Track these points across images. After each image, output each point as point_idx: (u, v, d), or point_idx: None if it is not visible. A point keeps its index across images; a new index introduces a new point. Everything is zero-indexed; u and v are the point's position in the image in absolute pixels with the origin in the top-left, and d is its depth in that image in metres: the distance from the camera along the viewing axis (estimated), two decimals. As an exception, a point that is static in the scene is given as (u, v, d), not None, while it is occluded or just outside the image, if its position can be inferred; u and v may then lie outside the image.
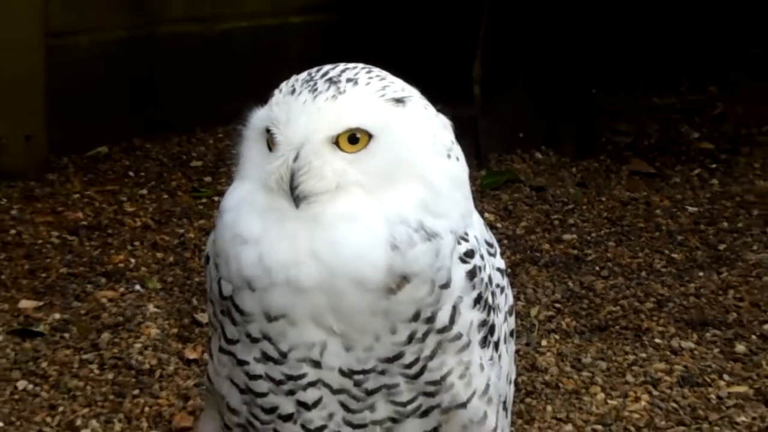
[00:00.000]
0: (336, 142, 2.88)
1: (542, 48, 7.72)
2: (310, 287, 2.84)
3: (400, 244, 2.83)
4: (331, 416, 2.89)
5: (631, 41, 8.59)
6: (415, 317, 2.86)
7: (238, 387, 2.93)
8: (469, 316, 2.92)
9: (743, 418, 5.55)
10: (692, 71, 8.89)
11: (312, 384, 2.87)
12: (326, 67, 2.95)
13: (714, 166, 7.78)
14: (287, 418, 2.90)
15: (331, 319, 2.85)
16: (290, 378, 2.88)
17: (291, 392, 2.88)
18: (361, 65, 2.96)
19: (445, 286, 2.88)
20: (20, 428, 5.48)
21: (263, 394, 2.90)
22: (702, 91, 8.73)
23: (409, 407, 2.90)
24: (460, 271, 2.91)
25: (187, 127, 7.82)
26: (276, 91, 2.96)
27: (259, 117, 2.98)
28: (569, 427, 5.52)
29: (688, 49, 8.88)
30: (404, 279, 2.84)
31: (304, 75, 2.96)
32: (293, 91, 2.91)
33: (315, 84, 2.90)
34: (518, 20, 7.68)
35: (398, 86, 2.95)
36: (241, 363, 2.91)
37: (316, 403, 2.88)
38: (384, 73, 2.97)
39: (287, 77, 2.98)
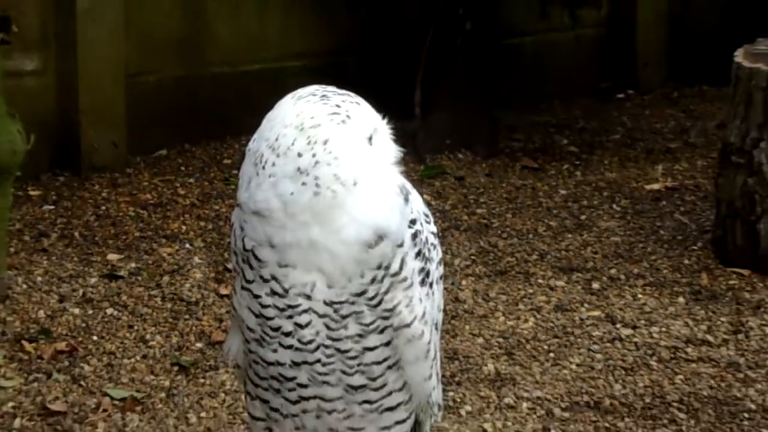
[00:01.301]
0: None
1: (462, 83, 7.72)
2: (319, 247, 2.79)
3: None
4: (317, 333, 2.86)
5: (521, 79, 8.58)
6: (378, 266, 2.82)
7: (253, 313, 2.90)
8: (412, 265, 2.88)
9: (597, 333, 5.55)
10: (563, 99, 8.88)
11: (305, 311, 2.84)
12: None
13: (577, 162, 7.78)
14: (287, 334, 2.87)
15: (327, 265, 2.80)
16: (290, 307, 2.84)
17: (290, 317, 2.85)
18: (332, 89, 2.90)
19: (401, 245, 2.85)
20: (108, 341, 5.47)
21: (271, 318, 2.87)
22: (569, 112, 8.71)
23: (371, 327, 2.87)
24: (407, 234, 2.87)
25: (221, 136, 7.83)
26: None
27: None
28: (480, 339, 5.50)
29: (559, 83, 8.87)
30: (380, 238, 2.79)
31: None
32: None
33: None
34: (445, 65, 7.68)
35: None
36: (256, 297, 2.87)
37: (307, 324, 2.85)
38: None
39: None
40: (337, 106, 2.82)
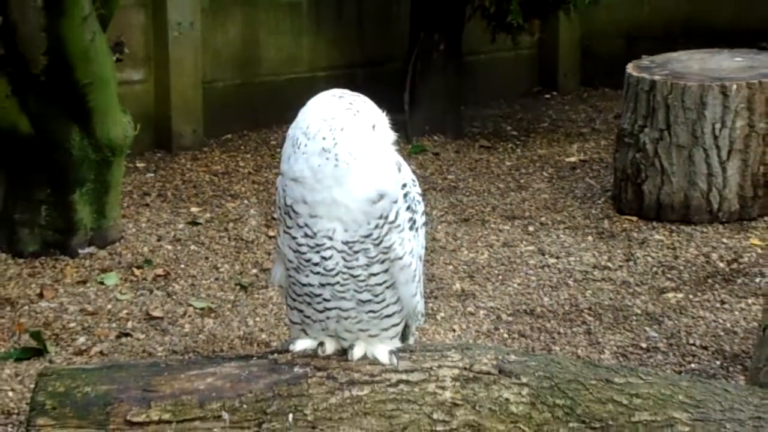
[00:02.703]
0: None
1: (437, 87, 7.69)
2: (338, 203, 2.77)
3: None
4: (337, 263, 2.85)
5: (478, 84, 8.51)
6: (380, 216, 2.81)
7: (292, 249, 2.88)
8: (404, 215, 2.87)
9: (532, 261, 5.53)
10: (507, 98, 8.82)
11: (328, 248, 2.83)
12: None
13: (518, 143, 7.72)
14: (316, 264, 2.85)
15: (344, 215, 2.78)
16: (317, 245, 2.83)
17: (318, 252, 2.83)
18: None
19: (395, 202, 2.84)
20: (192, 267, 5.49)
21: (304, 253, 2.85)
22: (512, 108, 8.65)
23: (375, 259, 2.86)
24: (400, 194, 2.85)
25: (268, 125, 7.77)
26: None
27: None
28: (451, 267, 5.48)
29: (505, 87, 8.81)
30: (381, 197, 2.78)
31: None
32: None
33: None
34: (425, 74, 7.64)
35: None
36: (294, 238, 2.86)
37: (330, 257, 2.84)
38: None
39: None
40: (350, 103, 2.80)
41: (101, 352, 4.59)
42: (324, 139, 2.75)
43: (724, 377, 4.34)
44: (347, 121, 2.77)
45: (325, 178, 2.75)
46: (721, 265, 5.46)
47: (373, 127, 2.82)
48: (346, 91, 2.86)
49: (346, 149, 2.75)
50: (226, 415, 2.91)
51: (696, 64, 6.29)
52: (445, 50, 7.67)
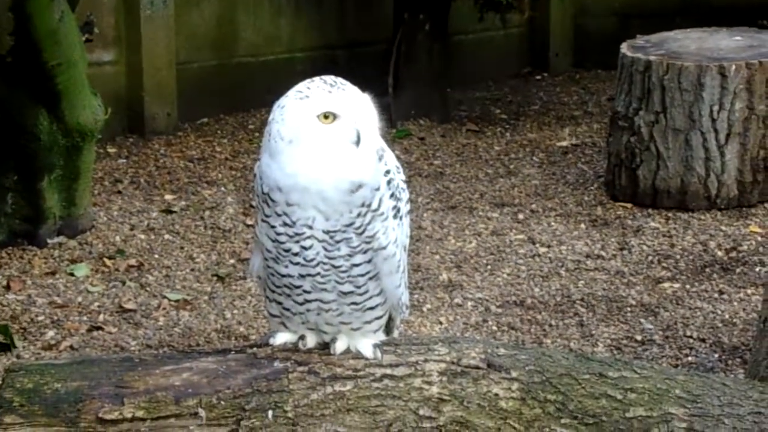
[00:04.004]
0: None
1: (423, 69, 7.69)
2: (311, 190, 2.78)
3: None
4: (317, 253, 2.85)
5: (465, 65, 8.51)
6: (362, 205, 2.82)
7: (270, 239, 2.88)
8: (387, 203, 2.88)
9: (522, 251, 5.55)
10: (496, 80, 8.83)
11: (308, 237, 2.83)
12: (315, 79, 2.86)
13: (507, 126, 7.73)
14: (296, 254, 2.85)
15: (321, 205, 2.79)
16: (297, 234, 2.83)
17: (297, 241, 2.84)
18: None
19: (377, 189, 2.84)
20: (166, 258, 5.48)
21: (283, 242, 2.85)
22: (500, 90, 8.66)
23: (357, 248, 2.86)
24: (383, 181, 2.85)
25: (246, 108, 7.76)
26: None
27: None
28: (437, 256, 5.49)
29: (493, 69, 8.81)
30: (360, 186, 2.79)
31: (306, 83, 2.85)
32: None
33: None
34: (410, 56, 7.65)
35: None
36: (272, 227, 2.86)
37: (310, 247, 2.84)
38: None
39: (295, 84, 2.87)
40: (308, 87, 2.81)
41: (71, 347, 4.59)
42: (272, 112, 2.85)
43: (723, 371, 4.36)
44: (289, 102, 2.81)
45: (264, 150, 2.82)
46: (719, 253, 5.48)
47: (326, 117, 2.81)
48: (336, 79, 2.85)
49: (276, 127, 2.80)
50: (202, 412, 2.91)
51: (693, 43, 6.30)
52: (431, 31, 7.67)
